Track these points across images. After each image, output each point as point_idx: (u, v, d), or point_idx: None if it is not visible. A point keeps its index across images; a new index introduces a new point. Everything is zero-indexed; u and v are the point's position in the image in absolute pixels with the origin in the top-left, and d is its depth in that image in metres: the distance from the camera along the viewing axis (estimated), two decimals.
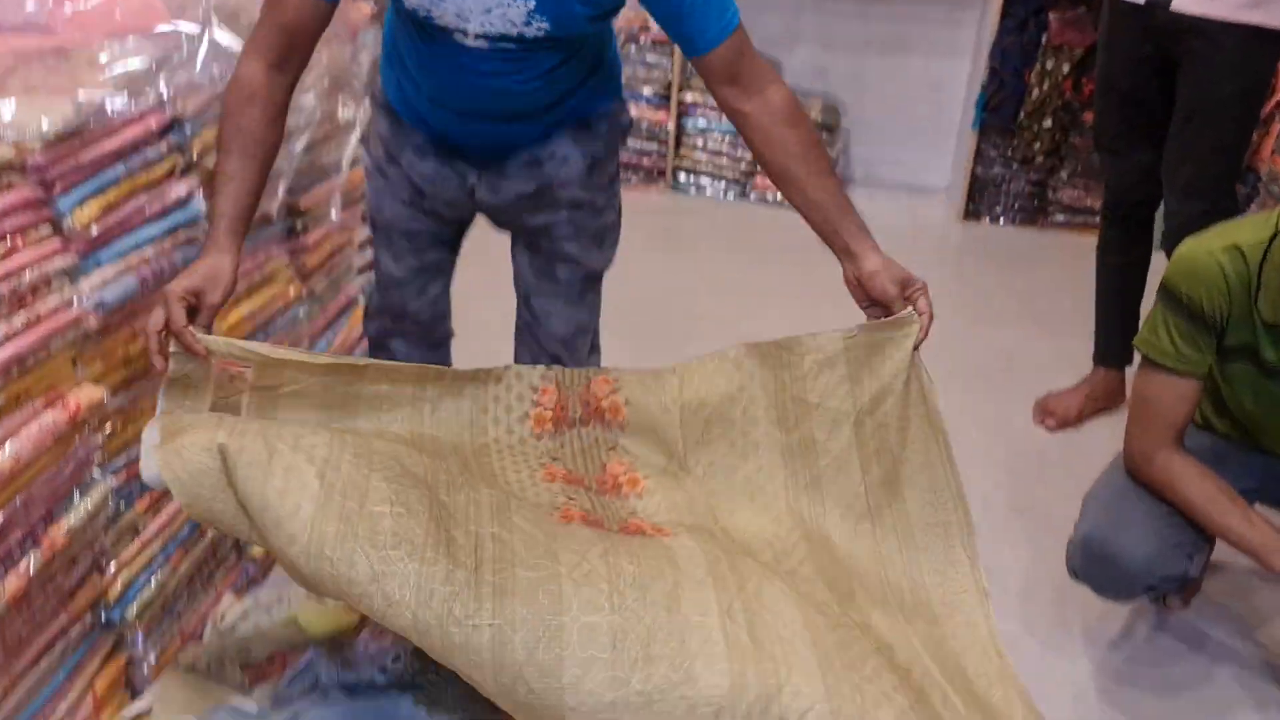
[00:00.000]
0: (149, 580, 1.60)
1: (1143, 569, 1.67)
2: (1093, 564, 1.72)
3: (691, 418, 1.55)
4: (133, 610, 1.56)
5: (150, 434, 1.25)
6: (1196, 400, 1.66)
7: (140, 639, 1.60)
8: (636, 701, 1.13)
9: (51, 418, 1.31)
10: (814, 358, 1.50)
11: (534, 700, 1.14)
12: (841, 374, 1.48)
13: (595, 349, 1.92)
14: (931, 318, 1.40)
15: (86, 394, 1.38)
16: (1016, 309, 3.27)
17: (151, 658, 1.63)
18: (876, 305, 1.44)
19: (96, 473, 1.45)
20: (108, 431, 1.45)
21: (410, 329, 1.90)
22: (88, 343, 1.39)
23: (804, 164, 1.44)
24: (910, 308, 1.41)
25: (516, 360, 1.88)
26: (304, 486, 1.18)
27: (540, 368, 1.59)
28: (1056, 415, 2.61)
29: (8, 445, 1.25)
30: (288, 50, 1.44)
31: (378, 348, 1.94)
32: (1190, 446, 1.72)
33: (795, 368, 1.52)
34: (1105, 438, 2.50)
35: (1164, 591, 1.83)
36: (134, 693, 1.65)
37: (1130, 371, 2.62)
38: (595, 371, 1.60)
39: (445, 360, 1.99)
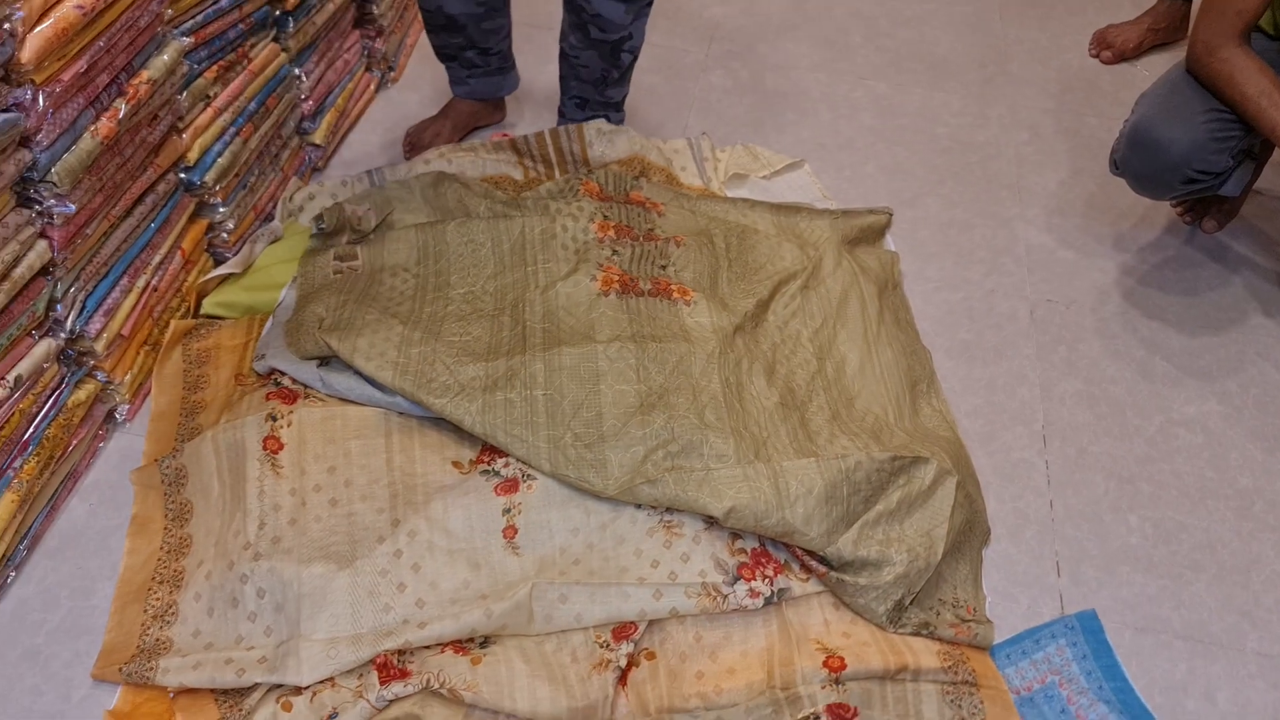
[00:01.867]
0: (223, 149, 1.65)
1: (1183, 157, 1.70)
2: (1136, 151, 1.75)
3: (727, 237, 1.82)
4: (211, 176, 1.63)
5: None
6: None
7: (219, 205, 1.68)
8: (663, 434, 1.41)
9: None
10: (806, 217, 1.92)
11: (581, 450, 1.39)
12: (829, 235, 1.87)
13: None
14: None
15: None
16: None
17: (230, 224, 1.72)
18: None
19: (169, 31, 1.47)
20: None
21: None
22: None
23: None
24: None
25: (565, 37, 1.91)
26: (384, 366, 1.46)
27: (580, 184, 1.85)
28: (1114, 47, 2.55)
29: None
30: None
31: None
32: (1257, 52, 1.70)
33: (793, 213, 1.92)
34: (1161, 72, 2.46)
35: (1198, 193, 1.86)
36: (216, 259, 1.75)
37: (1195, 5, 2.55)
38: (632, 185, 1.87)
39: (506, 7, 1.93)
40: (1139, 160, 1.75)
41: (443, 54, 1.98)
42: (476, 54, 1.95)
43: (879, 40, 2.57)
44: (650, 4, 1.84)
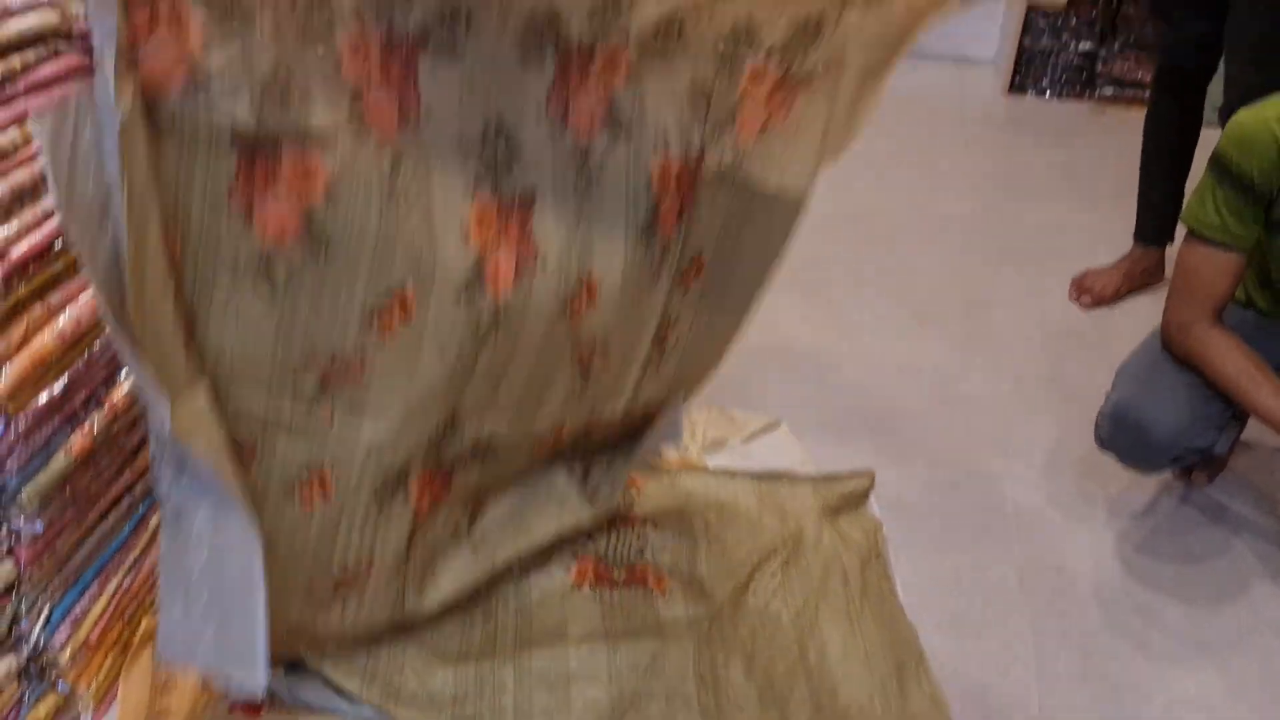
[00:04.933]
0: None
1: (1170, 439, 1.70)
2: (1121, 432, 1.75)
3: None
4: None
5: None
6: (1239, 275, 1.66)
7: None
8: None
9: None
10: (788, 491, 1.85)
11: None
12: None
13: None
14: None
15: None
16: (1059, 184, 3.23)
17: None
18: None
19: None
20: None
21: None
22: None
23: None
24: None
25: None
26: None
27: None
28: (1093, 292, 2.61)
29: (67, 310, 1.31)
30: None
31: None
32: (1230, 323, 1.73)
33: (774, 481, 1.87)
34: (1142, 317, 2.50)
35: (1189, 465, 1.86)
36: None
37: (1171, 250, 2.62)
38: None
39: None
40: (1125, 441, 1.76)
41: None
42: None
43: (862, 291, 2.63)
44: None
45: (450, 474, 1.40)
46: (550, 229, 1.28)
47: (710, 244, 1.40)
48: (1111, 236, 2.83)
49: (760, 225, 1.43)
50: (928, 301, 2.60)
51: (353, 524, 1.32)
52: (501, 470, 1.48)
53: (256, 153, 1.11)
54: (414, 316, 1.22)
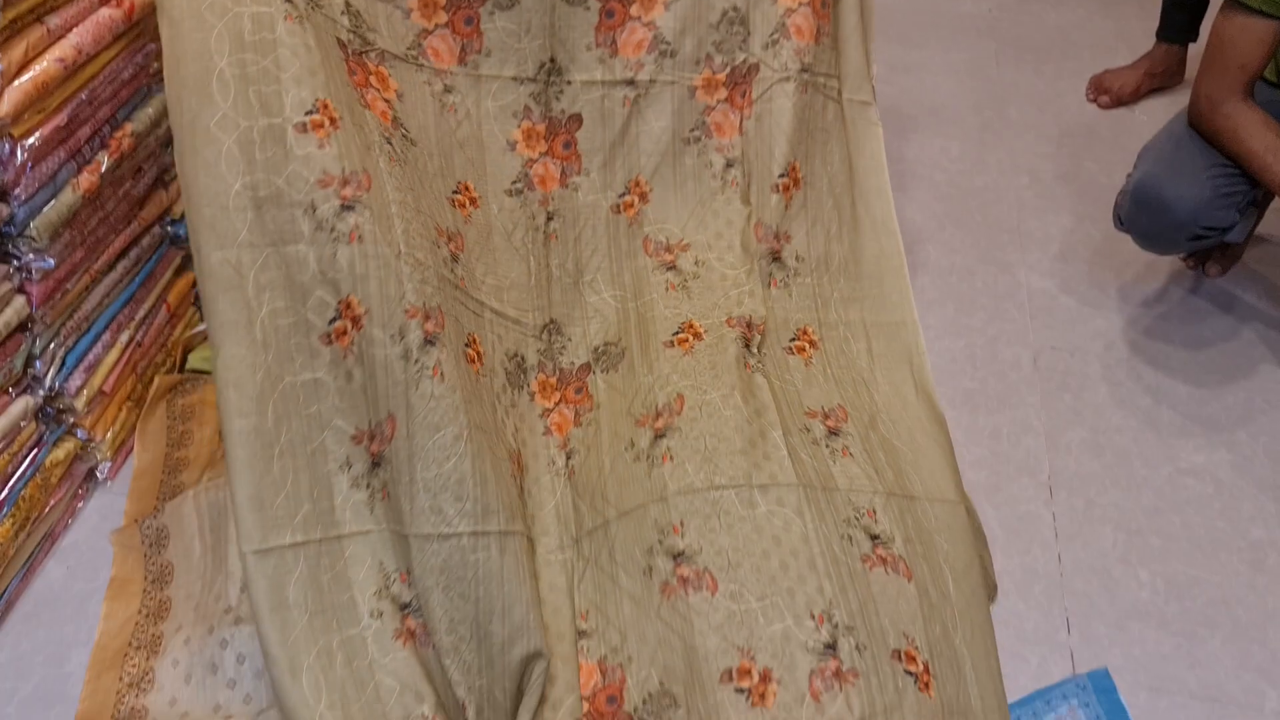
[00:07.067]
0: None
1: (1190, 215, 1.67)
2: (1141, 209, 1.72)
3: None
4: None
5: None
6: (1274, 45, 1.61)
7: None
8: None
9: (108, 13, 1.30)
10: None
11: None
12: None
13: None
14: None
15: None
16: None
17: None
18: None
19: (155, 84, 1.45)
20: None
21: None
22: None
23: None
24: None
25: None
26: None
27: None
28: (1112, 92, 2.54)
29: (70, 35, 1.25)
30: None
31: None
32: (1260, 101, 1.68)
33: None
34: (1160, 117, 2.45)
35: (1205, 248, 1.85)
36: (201, 312, 1.72)
37: (1193, 50, 2.54)
38: None
39: None
40: (1145, 218, 1.73)
41: None
42: None
43: (878, 86, 2.55)
44: None
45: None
46: (596, 144, 1.48)
47: (801, 155, 1.52)
48: (1131, 37, 2.74)
49: (847, 135, 1.64)
50: (944, 99, 2.53)
51: (497, 399, 1.36)
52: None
53: (356, 56, 1.30)
54: (479, 205, 1.42)
